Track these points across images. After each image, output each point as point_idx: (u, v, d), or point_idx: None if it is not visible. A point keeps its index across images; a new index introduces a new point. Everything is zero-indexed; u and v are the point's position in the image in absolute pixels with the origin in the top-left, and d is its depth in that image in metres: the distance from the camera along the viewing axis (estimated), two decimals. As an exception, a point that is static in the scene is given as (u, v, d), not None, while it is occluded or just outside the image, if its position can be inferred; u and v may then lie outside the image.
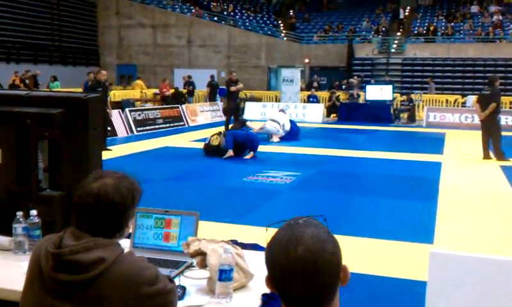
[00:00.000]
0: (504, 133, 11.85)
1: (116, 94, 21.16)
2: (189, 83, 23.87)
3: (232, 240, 2.42)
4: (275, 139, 14.52)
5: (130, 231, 2.59)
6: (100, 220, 1.70)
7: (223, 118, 20.21)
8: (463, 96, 22.77)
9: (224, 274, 1.99)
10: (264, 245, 1.34)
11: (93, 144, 2.52)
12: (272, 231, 1.33)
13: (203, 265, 2.20)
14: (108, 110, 12.43)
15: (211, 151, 11.74)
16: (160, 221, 2.52)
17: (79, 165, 2.51)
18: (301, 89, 24.39)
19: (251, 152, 11.55)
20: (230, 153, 11.37)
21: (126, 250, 2.51)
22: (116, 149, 12.47)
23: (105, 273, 1.61)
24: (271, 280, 1.29)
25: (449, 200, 7.81)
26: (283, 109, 16.79)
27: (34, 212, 2.50)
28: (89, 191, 1.71)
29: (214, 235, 4.38)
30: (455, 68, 26.75)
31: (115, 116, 15.64)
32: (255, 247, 2.53)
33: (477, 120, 12.79)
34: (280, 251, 1.25)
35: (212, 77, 24.16)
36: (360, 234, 5.95)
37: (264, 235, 1.39)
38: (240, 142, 11.60)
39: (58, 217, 2.54)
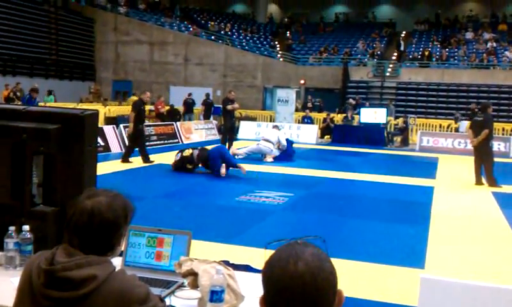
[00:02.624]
0: (496, 159, 11.91)
1: (111, 110, 21.18)
2: (189, 101, 24.12)
3: (223, 261, 2.42)
4: (269, 159, 14.52)
5: (122, 249, 2.59)
6: (93, 238, 1.71)
7: (218, 136, 20.30)
8: (456, 121, 22.92)
9: (216, 295, 1.99)
10: (256, 266, 1.35)
11: (88, 160, 2.53)
12: (271, 251, 1.35)
13: (195, 285, 2.20)
14: (141, 127, 13.35)
15: (182, 163, 11.90)
16: (152, 240, 2.52)
17: (73, 182, 2.51)
18: (297, 110, 24.52)
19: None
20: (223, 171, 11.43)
21: (117, 268, 2.52)
22: (110, 165, 12.44)
23: (96, 290, 1.61)
24: (266, 299, 1.30)
25: (441, 225, 7.83)
26: (278, 126, 16.75)
27: (26, 227, 2.49)
28: (82, 209, 1.73)
29: (206, 255, 4.38)
30: (449, 94, 26.97)
31: (109, 131, 15.65)
32: (246, 268, 2.53)
33: (469, 146, 12.87)
34: (280, 265, 1.27)
35: (207, 95, 24.37)
36: (351, 257, 5.94)
37: (256, 255, 1.41)
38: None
39: (51, 233, 2.53)
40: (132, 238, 2.55)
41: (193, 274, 2.20)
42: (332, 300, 1.28)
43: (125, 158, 13.13)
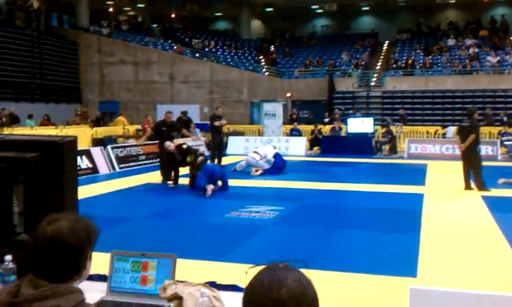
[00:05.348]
0: (484, 163, 11.98)
1: (98, 131, 21.10)
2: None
3: (210, 282, 2.38)
4: (255, 172, 14.50)
5: (107, 274, 2.55)
6: (57, 264, 1.68)
7: (207, 153, 20.24)
8: (443, 127, 23.06)
9: (201, 318, 1.96)
10: (244, 286, 1.32)
11: (68, 187, 2.49)
12: (252, 273, 1.32)
13: (181, 309, 2.17)
14: (169, 144, 12.75)
15: (185, 151, 12.28)
16: (137, 264, 2.48)
17: (54, 209, 2.47)
18: (284, 123, 24.56)
19: (212, 185, 11.38)
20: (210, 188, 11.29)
21: (103, 294, 2.48)
22: (98, 187, 12.37)
23: None
24: None
25: (432, 232, 7.82)
26: (274, 146, 16.80)
27: (8, 257, 2.45)
28: (43, 234, 1.70)
29: (195, 274, 4.34)
30: (434, 100, 27.18)
31: (97, 153, 15.57)
32: (234, 288, 2.50)
33: (457, 151, 12.95)
34: (262, 292, 1.24)
35: (183, 112, 23.96)
36: (342, 269, 5.91)
37: (243, 276, 1.38)
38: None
39: (34, 261, 2.49)
40: (116, 264, 2.51)
41: (178, 298, 2.16)
42: None
43: (170, 180, 12.84)
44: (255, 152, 15.12)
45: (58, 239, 1.68)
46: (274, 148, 15.89)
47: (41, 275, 1.66)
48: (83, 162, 14.58)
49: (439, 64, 30.17)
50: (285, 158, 16.01)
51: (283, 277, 1.25)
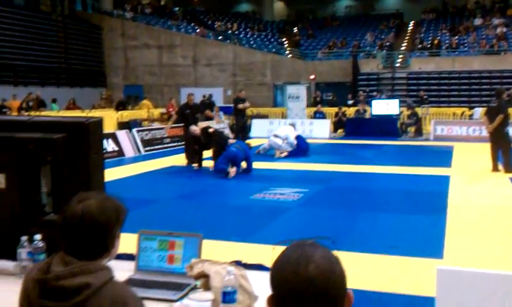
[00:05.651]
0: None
1: (123, 114, 21.26)
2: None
3: (235, 261, 2.39)
4: (279, 154, 14.46)
5: (134, 253, 2.58)
6: (86, 242, 1.71)
7: (231, 136, 20.26)
8: (470, 108, 22.68)
9: (228, 296, 1.97)
10: (269, 265, 1.32)
11: (95, 167, 2.52)
12: (279, 250, 1.31)
13: (207, 287, 2.18)
14: (195, 129, 12.65)
15: (210, 134, 12.30)
16: (164, 243, 2.51)
17: (81, 189, 2.50)
18: (308, 106, 24.42)
19: (235, 168, 11.40)
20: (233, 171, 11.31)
21: (131, 273, 2.51)
22: (124, 170, 12.51)
23: (90, 299, 1.60)
24: (275, 300, 1.27)
25: (458, 214, 7.74)
26: (294, 124, 16.73)
27: (38, 237, 2.49)
28: (73, 213, 1.72)
29: (221, 254, 4.37)
30: (461, 81, 26.69)
31: (123, 136, 15.72)
32: (259, 267, 2.51)
33: (485, 132, 12.74)
34: (290, 268, 1.24)
35: (205, 96, 23.91)
36: (368, 250, 5.89)
37: (270, 254, 1.38)
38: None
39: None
40: (143, 243, 2.54)
41: (205, 276, 2.18)
42: (342, 302, 1.26)
43: (195, 163, 12.79)
44: (276, 136, 15.00)
45: (88, 217, 1.71)
46: (295, 129, 15.75)
47: (71, 253, 1.69)
48: (109, 145, 14.76)
49: (465, 45, 29.57)
50: (309, 140, 15.93)
51: (311, 254, 1.25)
